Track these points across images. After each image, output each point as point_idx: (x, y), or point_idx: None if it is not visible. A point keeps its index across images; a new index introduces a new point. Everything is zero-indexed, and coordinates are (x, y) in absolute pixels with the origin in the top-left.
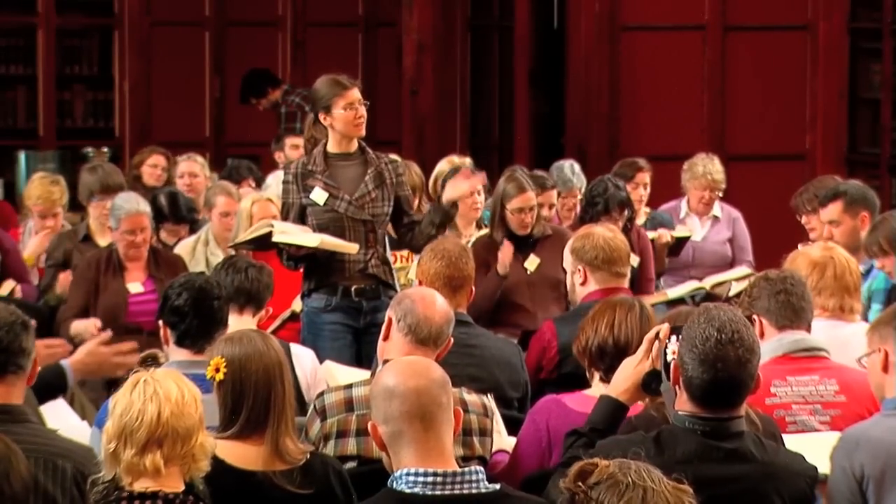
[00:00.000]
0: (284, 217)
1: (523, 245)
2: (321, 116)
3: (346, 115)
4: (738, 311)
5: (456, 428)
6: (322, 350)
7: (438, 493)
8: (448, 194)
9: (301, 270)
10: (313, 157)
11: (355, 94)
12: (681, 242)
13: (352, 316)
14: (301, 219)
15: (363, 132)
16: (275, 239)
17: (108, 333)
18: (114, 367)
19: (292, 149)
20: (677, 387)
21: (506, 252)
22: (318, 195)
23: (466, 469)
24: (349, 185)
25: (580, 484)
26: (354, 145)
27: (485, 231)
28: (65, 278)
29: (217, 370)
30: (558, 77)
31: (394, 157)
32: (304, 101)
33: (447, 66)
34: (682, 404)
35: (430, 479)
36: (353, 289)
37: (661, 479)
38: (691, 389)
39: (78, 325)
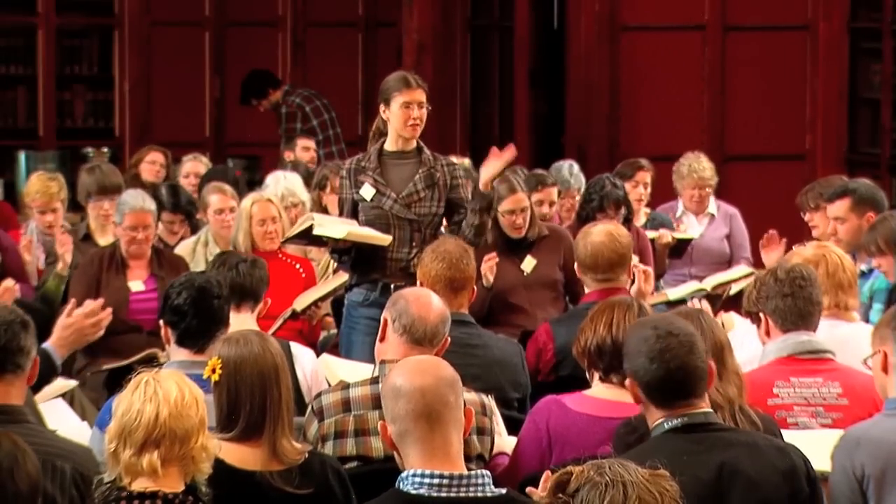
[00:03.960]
0: (340, 211)
1: (519, 247)
2: (381, 108)
3: (401, 112)
4: (668, 312)
5: (467, 427)
6: (356, 343)
7: (444, 495)
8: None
9: (302, 273)
10: (368, 154)
11: (417, 95)
12: (682, 244)
13: None
14: (354, 214)
15: (415, 134)
16: (315, 232)
17: (72, 302)
18: (92, 329)
19: (303, 150)
20: (642, 405)
21: (489, 265)
22: (367, 191)
23: (473, 472)
24: (399, 184)
25: (561, 495)
26: (411, 144)
27: None
28: (63, 238)
29: (214, 371)
30: (558, 77)
31: (453, 159)
32: (304, 101)
33: (447, 66)
34: (653, 416)
35: (436, 480)
36: (392, 286)
37: (637, 471)
38: (650, 392)
39: None
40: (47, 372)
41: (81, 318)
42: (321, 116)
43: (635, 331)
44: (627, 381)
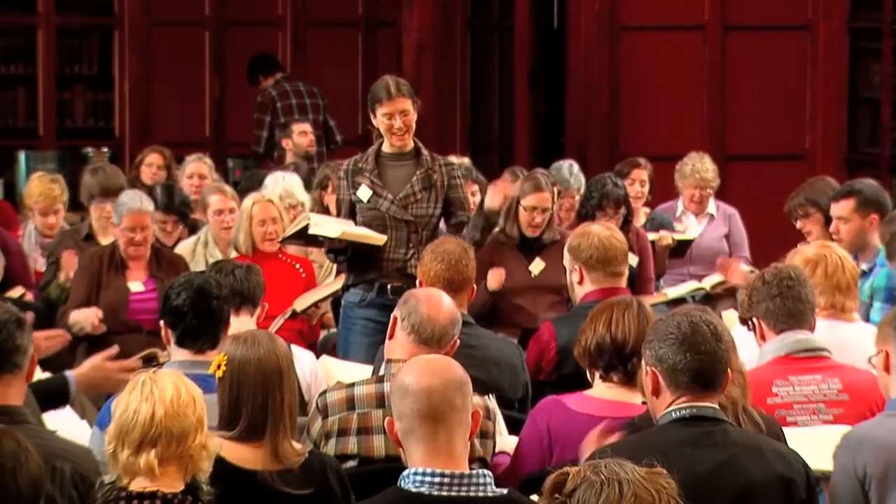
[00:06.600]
0: (338, 212)
1: (531, 247)
2: (371, 116)
3: (384, 123)
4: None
5: (473, 429)
6: (353, 344)
7: (445, 493)
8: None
9: (302, 273)
10: (366, 156)
11: (396, 104)
12: (683, 245)
13: (385, 313)
14: (352, 215)
15: (402, 143)
16: (310, 231)
17: (115, 349)
18: (117, 383)
19: (300, 136)
20: (655, 397)
21: (496, 276)
22: (364, 193)
23: (474, 472)
24: (396, 186)
25: (557, 496)
26: (409, 146)
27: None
28: (67, 256)
29: (219, 367)
30: (558, 77)
31: (452, 159)
32: (279, 96)
33: (447, 66)
34: (665, 403)
35: (437, 479)
36: (388, 286)
37: (633, 469)
38: (674, 375)
39: (78, 314)
40: (59, 400)
41: (118, 369)
42: (290, 116)
43: (665, 319)
44: (647, 369)
